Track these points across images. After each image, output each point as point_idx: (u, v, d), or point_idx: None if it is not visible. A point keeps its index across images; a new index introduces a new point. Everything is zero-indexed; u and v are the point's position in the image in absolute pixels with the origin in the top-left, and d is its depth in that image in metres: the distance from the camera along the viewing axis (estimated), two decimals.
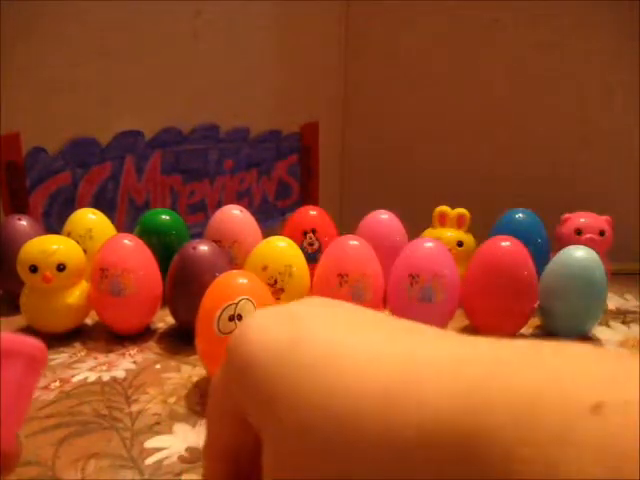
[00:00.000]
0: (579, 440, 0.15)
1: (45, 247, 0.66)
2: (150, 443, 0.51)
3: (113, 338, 0.69)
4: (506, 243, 0.66)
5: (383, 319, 0.25)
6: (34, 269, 0.66)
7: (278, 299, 0.65)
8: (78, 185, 0.88)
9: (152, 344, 0.69)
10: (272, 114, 0.99)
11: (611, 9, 0.87)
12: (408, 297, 0.65)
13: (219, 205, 0.83)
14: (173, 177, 0.94)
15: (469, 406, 0.17)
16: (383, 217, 0.78)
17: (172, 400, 0.58)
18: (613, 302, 0.79)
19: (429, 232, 0.79)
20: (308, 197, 1.05)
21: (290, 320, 0.24)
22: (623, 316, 0.76)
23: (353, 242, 0.68)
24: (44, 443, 0.51)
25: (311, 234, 0.77)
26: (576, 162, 0.93)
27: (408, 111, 0.99)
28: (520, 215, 0.78)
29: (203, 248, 0.67)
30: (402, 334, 0.22)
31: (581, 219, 0.75)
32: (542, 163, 0.94)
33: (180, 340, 0.68)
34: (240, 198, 0.99)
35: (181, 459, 0.50)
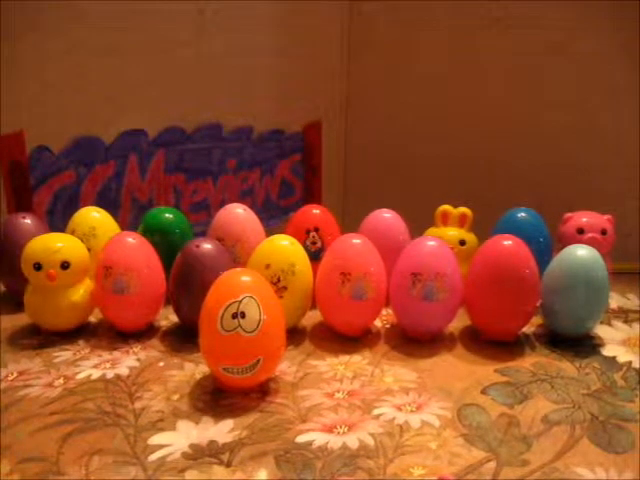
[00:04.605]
0: None
1: (49, 245, 0.67)
2: (153, 440, 0.52)
3: (117, 336, 0.69)
4: (508, 242, 0.66)
5: None
6: (38, 267, 0.66)
7: (281, 297, 0.65)
8: (82, 184, 0.88)
9: (155, 342, 0.69)
10: (275, 114, 0.99)
11: (613, 10, 0.87)
12: (410, 296, 0.66)
13: (222, 204, 0.83)
14: (176, 176, 0.94)
15: None
16: (386, 216, 0.78)
17: (175, 397, 0.58)
18: (615, 301, 0.80)
19: (431, 231, 0.79)
20: (311, 196, 1.06)
21: None
22: (625, 315, 0.76)
23: (356, 241, 0.68)
24: (48, 439, 0.52)
25: (314, 233, 0.77)
26: (578, 162, 0.93)
27: (411, 110, 0.99)
28: (522, 214, 0.78)
29: (206, 246, 0.67)
30: None
31: (583, 218, 0.75)
32: (544, 163, 0.94)
33: (183, 338, 0.69)
34: (243, 197, 1.00)
35: (184, 456, 0.50)
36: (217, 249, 0.68)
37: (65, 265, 0.67)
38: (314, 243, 0.77)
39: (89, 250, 0.71)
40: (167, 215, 0.77)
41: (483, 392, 0.59)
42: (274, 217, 1.03)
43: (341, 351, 0.67)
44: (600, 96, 0.91)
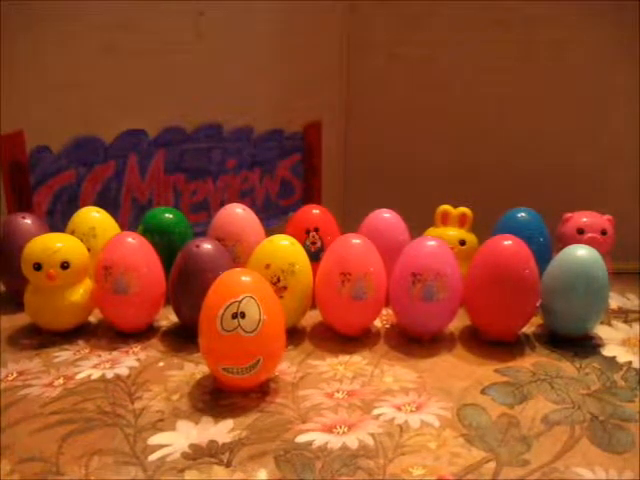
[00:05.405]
0: None
1: (49, 245, 0.67)
2: (153, 440, 0.52)
3: (116, 336, 0.69)
4: (508, 242, 0.66)
5: None
6: (38, 267, 0.66)
7: (281, 297, 0.65)
8: (82, 184, 0.88)
9: (155, 342, 0.69)
10: (275, 113, 0.99)
11: (612, 10, 0.86)
12: (410, 296, 0.66)
13: (222, 204, 0.83)
14: (176, 176, 0.94)
15: None
16: (385, 216, 0.78)
17: (175, 397, 0.58)
18: (615, 301, 0.79)
19: (431, 231, 0.79)
20: (311, 196, 1.06)
21: None
22: (625, 315, 0.76)
23: (355, 241, 0.68)
24: (48, 439, 0.52)
25: (314, 233, 0.77)
26: (578, 162, 0.93)
27: (410, 111, 0.99)
28: (522, 214, 0.78)
29: (206, 246, 0.67)
30: None
31: (583, 218, 0.75)
32: (544, 162, 0.94)
33: (183, 338, 0.69)
34: (243, 197, 1.00)
35: (184, 456, 0.50)
36: (217, 249, 0.68)
37: (65, 265, 0.67)
38: (314, 243, 0.77)
39: (89, 250, 0.71)
40: (167, 215, 0.77)
41: (483, 392, 0.59)
42: (274, 217, 1.03)
43: (341, 351, 0.67)
44: (600, 96, 0.91)
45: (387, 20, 0.97)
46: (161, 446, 0.51)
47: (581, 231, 0.74)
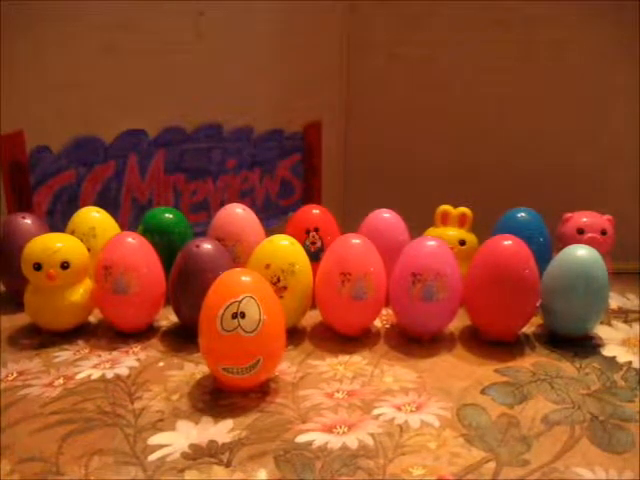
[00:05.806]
0: None
1: (49, 245, 0.67)
2: (153, 440, 0.52)
3: (116, 336, 0.69)
4: (508, 242, 0.66)
5: None
6: (38, 267, 0.66)
7: (281, 297, 0.65)
8: (82, 184, 0.88)
9: (155, 342, 0.69)
10: (275, 113, 0.99)
11: (612, 10, 0.86)
12: (410, 296, 0.66)
13: (222, 204, 0.83)
14: (176, 176, 0.94)
15: None
16: (385, 216, 0.78)
17: (175, 397, 0.58)
18: (615, 301, 0.79)
19: (431, 231, 0.79)
20: (311, 196, 1.06)
21: None
22: (625, 315, 0.76)
23: (355, 241, 0.68)
24: (48, 439, 0.52)
25: (314, 233, 0.77)
26: (578, 162, 0.93)
27: (410, 110, 0.99)
28: (522, 214, 0.78)
29: (206, 246, 0.67)
30: None
31: (583, 218, 0.75)
32: (544, 162, 0.94)
33: (183, 338, 0.69)
34: (243, 197, 1.00)
35: (184, 456, 0.50)
36: (217, 249, 0.68)
37: (65, 265, 0.67)
38: (314, 243, 0.77)
39: (89, 250, 0.71)
40: (167, 215, 0.77)
41: (483, 392, 0.59)
42: (274, 217, 1.02)
43: (341, 351, 0.67)
44: (600, 96, 0.91)
45: (387, 20, 0.97)
46: (161, 446, 0.51)
47: (581, 231, 0.74)
